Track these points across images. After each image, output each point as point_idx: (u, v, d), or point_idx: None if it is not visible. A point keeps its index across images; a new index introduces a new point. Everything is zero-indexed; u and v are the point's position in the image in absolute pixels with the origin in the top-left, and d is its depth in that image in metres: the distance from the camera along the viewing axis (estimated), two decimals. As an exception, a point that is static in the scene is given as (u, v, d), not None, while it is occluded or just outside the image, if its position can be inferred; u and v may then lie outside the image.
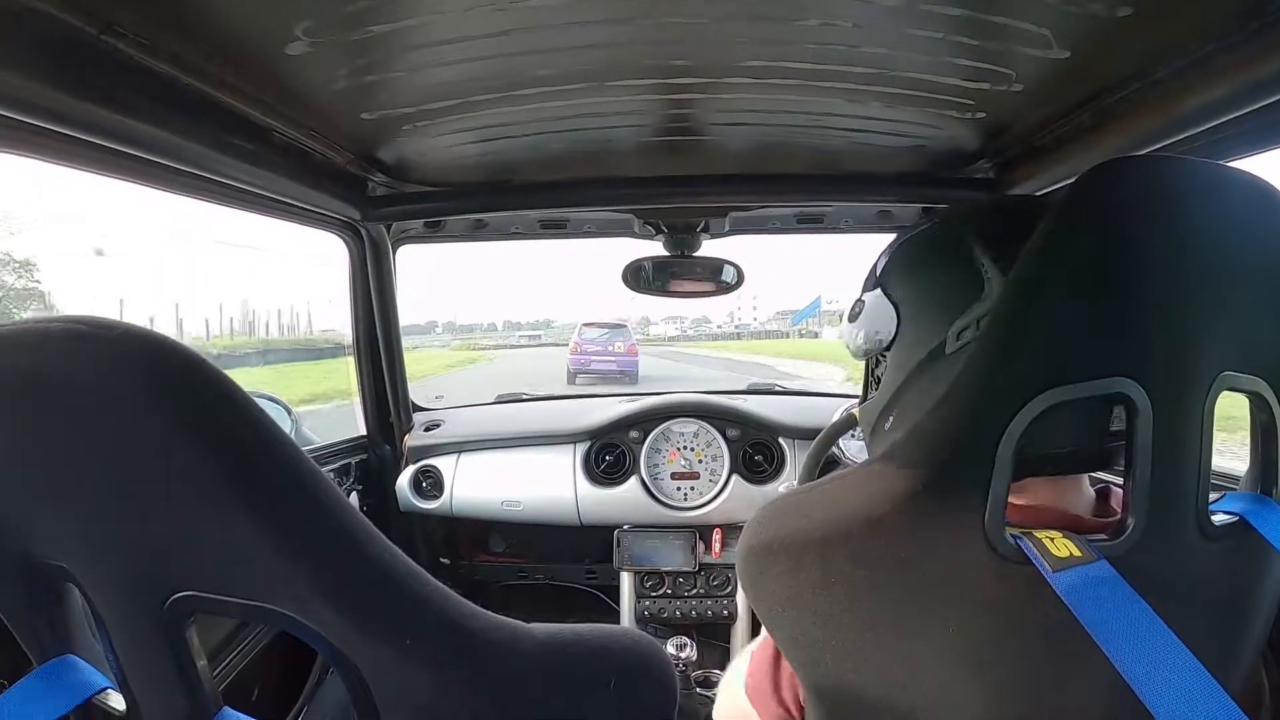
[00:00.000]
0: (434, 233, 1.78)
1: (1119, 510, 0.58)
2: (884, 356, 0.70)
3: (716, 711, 0.87)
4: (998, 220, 0.65)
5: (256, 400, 0.45)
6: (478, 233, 1.81)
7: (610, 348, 16.52)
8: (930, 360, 0.63)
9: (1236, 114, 0.81)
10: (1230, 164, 0.59)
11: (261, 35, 0.79)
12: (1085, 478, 0.64)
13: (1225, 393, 0.54)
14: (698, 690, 1.67)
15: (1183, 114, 0.86)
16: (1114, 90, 0.94)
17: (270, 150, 1.09)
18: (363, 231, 1.63)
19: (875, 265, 0.73)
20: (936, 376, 0.62)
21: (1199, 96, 0.82)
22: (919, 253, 0.69)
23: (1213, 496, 0.55)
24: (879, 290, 0.70)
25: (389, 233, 1.70)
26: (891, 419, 0.68)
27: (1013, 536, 0.51)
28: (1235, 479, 0.62)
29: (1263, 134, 0.89)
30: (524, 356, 28.64)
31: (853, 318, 0.74)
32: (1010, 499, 0.51)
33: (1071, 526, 0.54)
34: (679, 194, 1.50)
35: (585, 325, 17.41)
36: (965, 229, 0.64)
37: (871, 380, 0.74)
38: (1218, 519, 0.55)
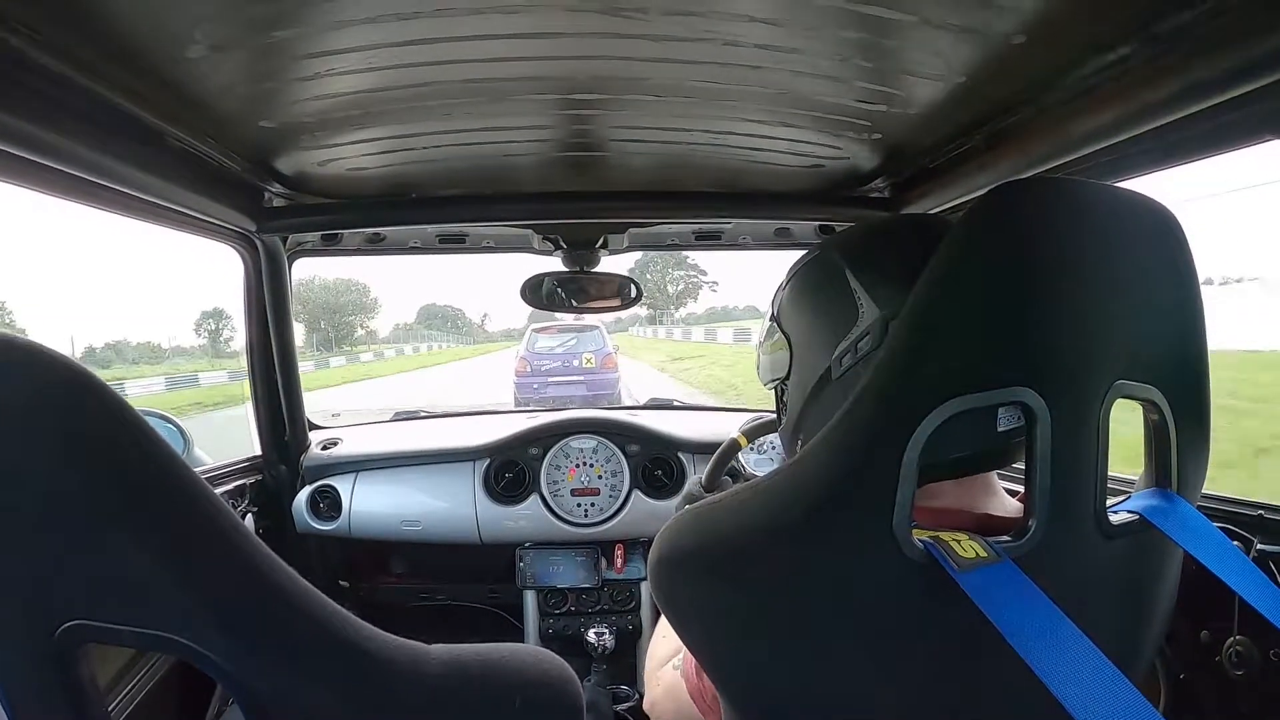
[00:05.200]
0: (331, 245, 1.74)
1: None
2: (786, 384, 0.73)
3: (656, 707, 0.89)
4: (869, 246, 0.69)
5: (147, 419, 0.44)
6: (375, 246, 1.77)
7: (574, 363, 11.61)
8: (821, 385, 0.67)
9: (1125, 137, 0.83)
10: (1120, 184, 0.65)
11: (160, 36, 0.76)
12: (994, 477, 0.66)
13: None
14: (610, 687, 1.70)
15: (1073, 137, 0.89)
16: (1007, 114, 0.97)
17: (163, 156, 1.04)
18: (258, 243, 1.57)
19: (774, 296, 0.77)
20: (829, 400, 0.65)
21: (1089, 121, 0.85)
22: (804, 284, 0.73)
23: (1112, 501, 0.58)
24: (775, 324, 0.74)
25: (285, 245, 1.64)
26: (801, 440, 0.71)
27: (920, 541, 0.52)
28: (1130, 484, 0.66)
29: (1150, 156, 0.92)
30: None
31: (761, 351, 0.78)
32: (918, 503, 0.52)
33: (979, 527, 0.56)
34: (579, 210, 1.51)
35: (536, 330, 12.48)
36: (840, 257, 0.68)
37: (781, 406, 0.77)
38: (1118, 518, 0.57)
